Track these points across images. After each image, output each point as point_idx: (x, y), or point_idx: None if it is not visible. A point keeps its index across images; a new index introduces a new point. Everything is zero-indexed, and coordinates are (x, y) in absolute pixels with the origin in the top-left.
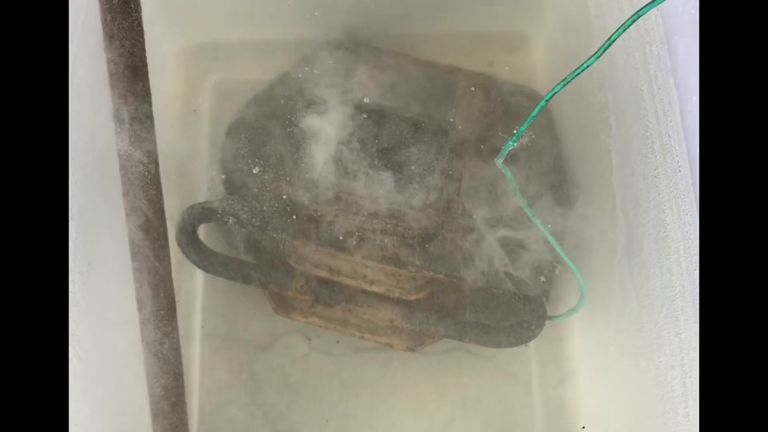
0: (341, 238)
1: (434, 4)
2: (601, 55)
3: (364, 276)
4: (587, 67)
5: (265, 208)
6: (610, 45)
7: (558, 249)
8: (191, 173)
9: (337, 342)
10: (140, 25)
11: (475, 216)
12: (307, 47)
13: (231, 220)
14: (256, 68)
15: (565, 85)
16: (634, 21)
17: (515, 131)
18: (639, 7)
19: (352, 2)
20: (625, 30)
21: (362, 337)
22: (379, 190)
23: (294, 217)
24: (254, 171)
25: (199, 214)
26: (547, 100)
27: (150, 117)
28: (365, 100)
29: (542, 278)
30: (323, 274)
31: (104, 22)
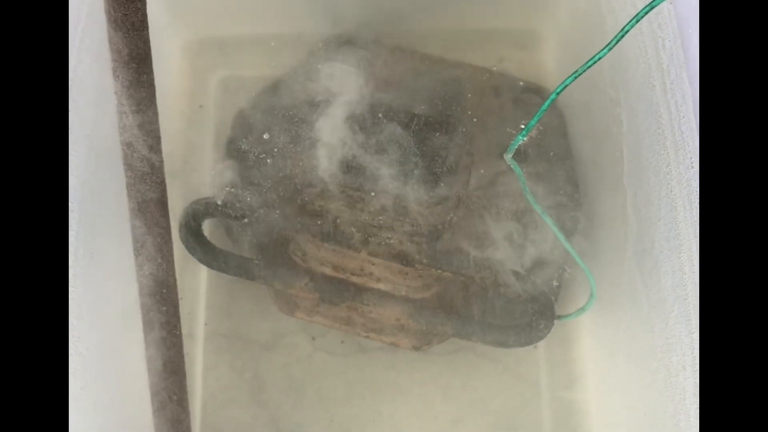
0: (347, 234)
1: (444, 0)
2: (613, 46)
3: (371, 273)
4: (599, 59)
5: (270, 204)
6: (623, 36)
7: (567, 246)
8: (195, 168)
9: (342, 342)
10: (145, 15)
11: (484, 213)
12: (315, 42)
13: (236, 216)
14: (262, 63)
15: (576, 77)
16: (647, 12)
17: (524, 126)
18: (651, 0)
19: None
20: (638, 21)
21: (367, 336)
22: (386, 186)
23: (299, 213)
24: (259, 166)
25: (203, 210)
26: (557, 93)
27: (154, 109)
28: (373, 96)
29: (555, 282)
30: (328, 271)
31: (108, 12)
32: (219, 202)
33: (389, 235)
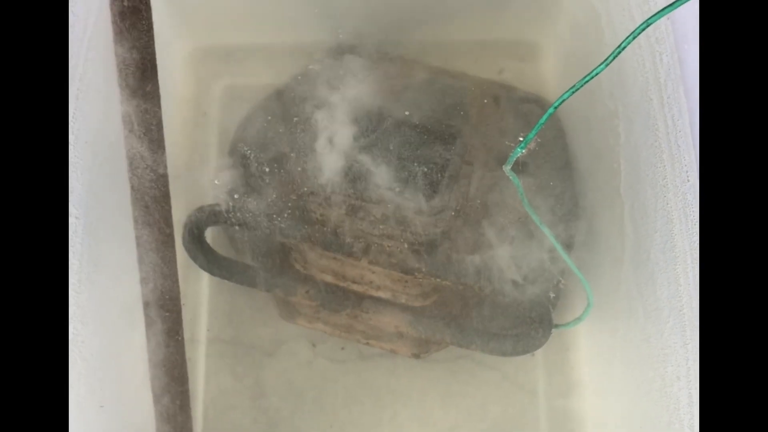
0: (348, 243)
1: (445, 12)
2: (610, 62)
3: (371, 282)
4: (596, 74)
5: (272, 212)
6: (619, 53)
7: (565, 257)
8: (199, 176)
9: (342, 348)
10: (150, 25)
11: (483, 223)
12: (318, 52)
13: (238, 223)
14: (266, 72)
15: (573, 92)
16: (643, 29)
17: (523, 138)
18: (649, 16)
19: (362, 8)
20: (634, 38)
21: (367, 343)
22: (386, 195)
23: (301, 221)
24: (262, 174)
25: (206, 217)
26: (555, 108)
27: (159, 118)
28: (374, 105)
29: (552, 294)
30: (329, 279)
31: (114, 22)
32: (222, 210)
33: (389, 244)
